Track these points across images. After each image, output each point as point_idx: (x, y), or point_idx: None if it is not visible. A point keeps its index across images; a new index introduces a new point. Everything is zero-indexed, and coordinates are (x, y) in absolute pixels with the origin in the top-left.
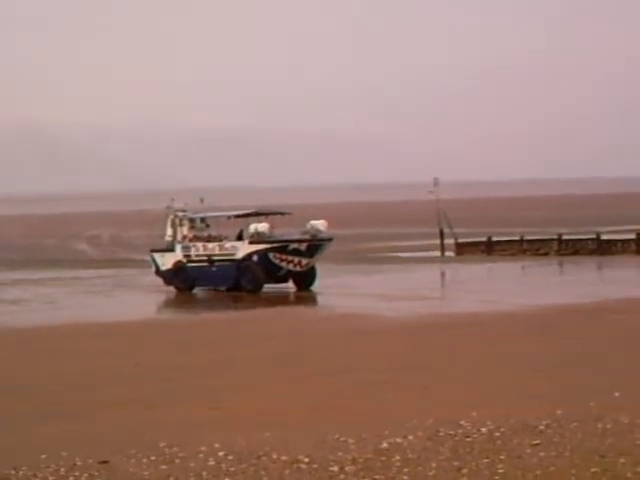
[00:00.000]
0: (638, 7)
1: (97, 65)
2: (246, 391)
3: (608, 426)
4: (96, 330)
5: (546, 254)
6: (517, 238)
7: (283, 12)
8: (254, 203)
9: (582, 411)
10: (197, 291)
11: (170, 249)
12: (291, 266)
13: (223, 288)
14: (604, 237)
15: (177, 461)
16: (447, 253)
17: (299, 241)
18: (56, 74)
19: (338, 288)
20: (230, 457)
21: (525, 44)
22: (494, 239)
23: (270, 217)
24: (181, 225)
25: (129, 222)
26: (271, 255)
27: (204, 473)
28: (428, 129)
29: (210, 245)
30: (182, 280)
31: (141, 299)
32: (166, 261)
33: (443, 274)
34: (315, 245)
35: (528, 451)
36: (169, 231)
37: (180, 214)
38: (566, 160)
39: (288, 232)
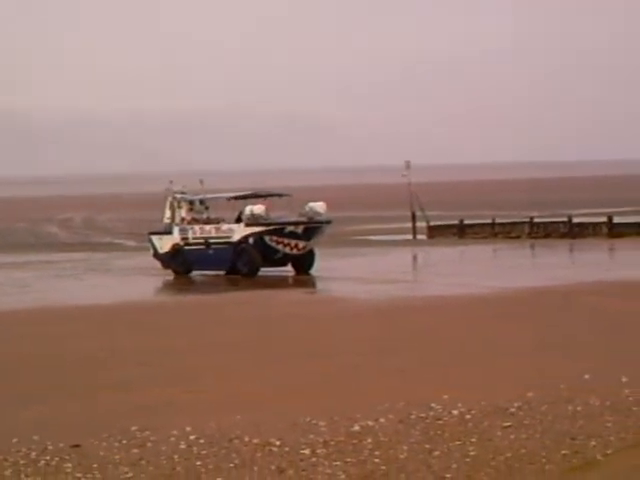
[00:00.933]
0: None
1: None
2: (219, 374)
3: (579, 408)
4: (71, 313)
5: (518, 237)
6: (489, 221)
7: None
8: (255, 185)
9: (553, 393)
10: (195, 275)
11: (168, 232)
12: (288, 249)
13: (220, 271)
14: (576, 220)
15: (148, 444)
16: (419, 236)
17: (295, 223)
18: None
19: (315, 272)
20: (201, 440)
21: (493, 27)
22: (466, 222)
23: (269, 199)
24: (179, 207)
25: (105, 205)
26: (267, 238)
27: (175, 456)
28: (399, 112)
29: (207, 227)
30: (179, 263)
31: (120, 282)
32: (164, 244)
33: (416, 257)
34: (312, 228)
35: (499, 433)
36: (167, 213)
37: (178, 196)
38: (540, 143)
39: (285, 214)
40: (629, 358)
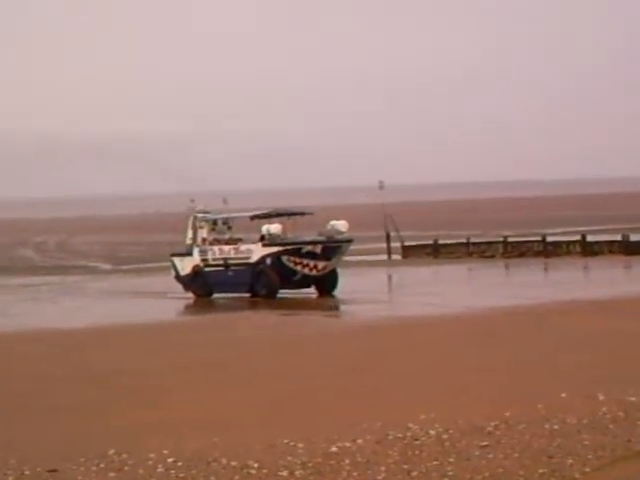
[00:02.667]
0: None
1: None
2: (196, 396)
3: (555, 427)
4: (44, 336)
5: (492, 256)
6: (463, 241)
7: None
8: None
9: (530, 412)
10: (216, 297)
11: (189, 253)
12: (307, 270)
13: (240, 294)
14: (550, 239)
15: (126, 468)
16: (394, 256)
17: (312, 243)
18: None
19: (292, 292)
20: (179, 463)
21: (468, 42)
22: (441, 242)
23: (291, 218)
24: (201, 227)
25: (81, 228)
26: (284, 258)
27: None
28: (369, 130)
29: (226, 248)
30: (200, 285)
31: (96, 304)
32: (185, 265)
33: (390, 277)
34: (331, 247)
35: (477, 453)
36: (189, 234)
37: (200, 215)
38: (515, 161)
39: (302, 234)
40: (604, 376)
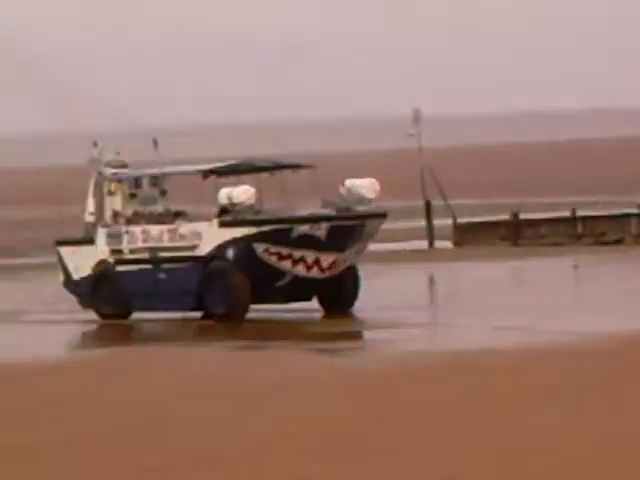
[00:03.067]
0: None
1: None
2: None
3: None
4: None
5: (618, 241)
6: (565, 214)
7: None
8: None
9: None
10: (137, 319)
11: (88, 239)
12: (301, 269)
13: (180, 312)
14: None
15: None
16: (440, 243)
17: (313, 220)
18: None
19: (276, 309)
20: None
21: None
22: (523, 216)
23: (275, 174)
24: (110, 193)
25: None
26: (260, 248)
27: None
28: (393, 37)
29: (155, 230)
30: (108, 298)
31: None
32: (81, 262)
33: (434, 281)
34: (347, 228)
35: None
36: (89, 205)
37: (108, 172)
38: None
39: (295, 205)
40: None
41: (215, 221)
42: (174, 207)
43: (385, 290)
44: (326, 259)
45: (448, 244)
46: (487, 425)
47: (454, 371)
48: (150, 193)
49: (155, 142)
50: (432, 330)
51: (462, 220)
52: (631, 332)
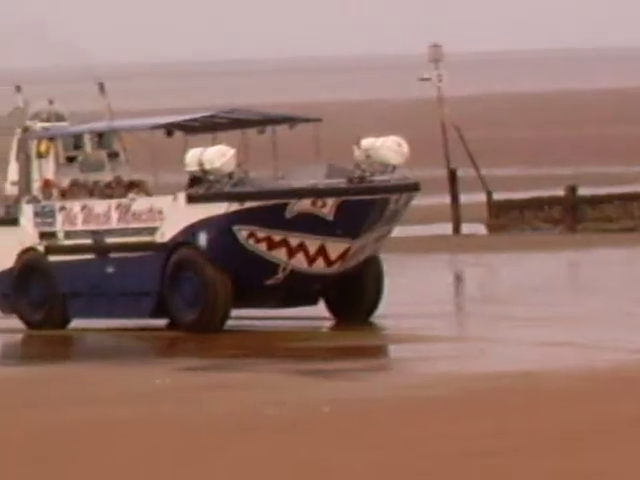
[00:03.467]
0: None
1: None
2: None
3: None
4: None
5: None
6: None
7: None
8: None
9: None
10: (76, 327)
11: (10, 218)
12: (300, 260)
13: (136, 318)
14: None
15: None
16: (470, 226)
17: (314, 193)
18: None
19: (268, 315)
20: None
21: None
22: (582, 193)
23: (265, 130)
24: (40, 154)
25: None
26: (242, 231)
27: None
28: None
29: (99, 206)
30: (36, 299)
31: None
32: (1, 250)
33: (463, 279)
34: (362, 204)
35: None
36: (13, 170)
37: (37, 126)
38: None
39: (291, 171)
40: None
41: (181, 195)
42: (128, 175)
43: (398, 290)
44: (335, 248)
45: (481, 228)
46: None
47: (496, 402)
48: (94, 156)
49: (101, 86)
50: (463, 345)
51: (499, 197)
52: None
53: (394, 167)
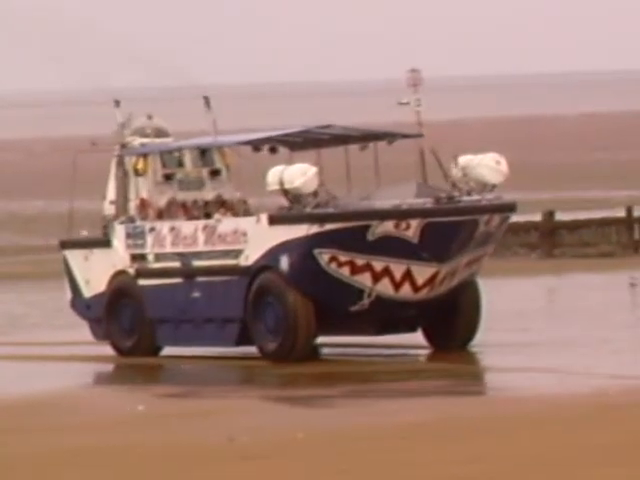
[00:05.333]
0: None
1: None
2: None
3: None
4: None
5: None
6: (617, 215)
7: None
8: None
9: None
10: (168, 354)
11: (104, 240)
12: (386, 286)
13: (222, 346)
14: None
15: None
16: None
17: (396, 215)
18: None
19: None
20: None
21: None
22: (559, 218)
23: (361, 146)
24: (138, 173)
25: None
26: (323, 255)
27: None
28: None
29: (186, 227)
30: (126, 325)
31: None
32: (94, 273)
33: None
34: (449, 226)
35: None
36: (111, 189)
37: (134, 144)
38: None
39: (380, 191)
40: None
41: (264, 216)
42: (230, 194)
43: None
44: (421, 272)
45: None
46: None
47: (472, 428)
48: (194, 173)
49: (207, 101)
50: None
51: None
52: None
53: (493, 186)
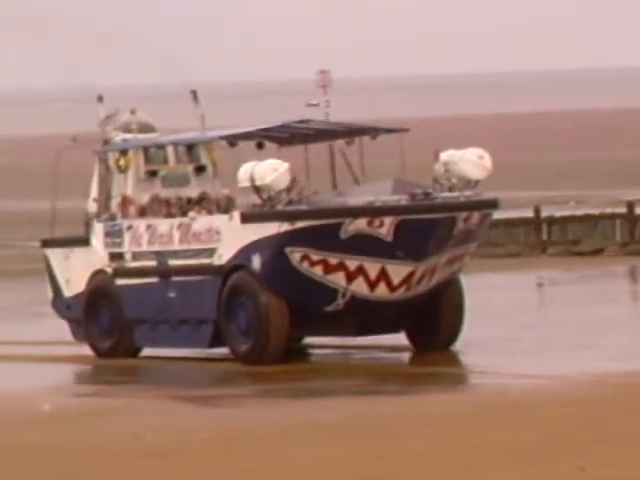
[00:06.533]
0: None
1: None
2: None
3: None
4: None
5: (597, 252)
6: (525, 215)
7: None
8: None
9: None
10: (147, 355)
11: (83, 238)
12: (360, 285)
13: (196, 347)
14: None
15: None
16: None
17: (369, 212)
18: None
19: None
20: None
21: None
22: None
23: (336, 142)
24: (121, 170)
25: None
26: (294, 254)
27: None
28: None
29: (163, 225)
30: (105, 326)
31: None
32: (74, 272)
33: None
34: (423, 224)
35: None
36: (94, 186)
37: (119, 138)
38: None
39: (355, 188)
40: None
41: (236, 214)
42: (216, 191)
43: None
44: (397, 271)
45: None
46: None
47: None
48: (178, 170)
49: (195, 95)
50: None
51: None
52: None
53: (476, 182)
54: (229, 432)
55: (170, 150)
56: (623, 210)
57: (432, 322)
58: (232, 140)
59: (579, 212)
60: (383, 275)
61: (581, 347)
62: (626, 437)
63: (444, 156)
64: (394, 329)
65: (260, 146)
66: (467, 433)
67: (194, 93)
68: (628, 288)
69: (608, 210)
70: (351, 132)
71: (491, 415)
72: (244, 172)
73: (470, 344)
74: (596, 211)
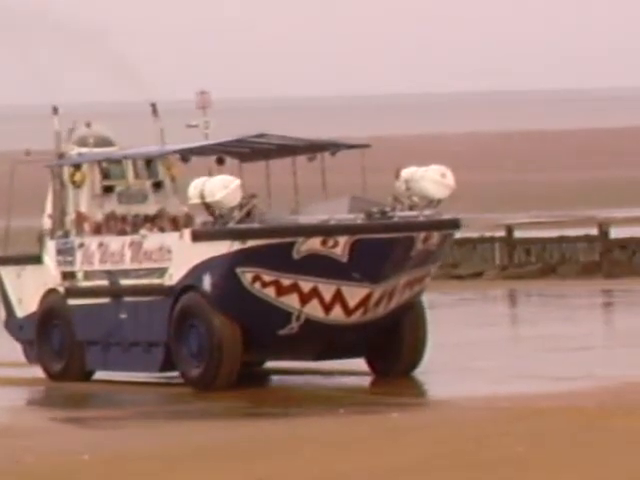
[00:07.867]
0: None
1: None
2: None
3: None
4: None
5: (476, 275)
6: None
7: None
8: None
9: None
10: (97, 379)
11: (37, 255)
12: (315, 308)
13: (147, 372)
14: None
15: None
16: None
17: (321, 231)
18: None
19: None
20: None
21: None
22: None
23: (287, 158)
24: (75, 184)
25: None
26: (246, 274)
27: None
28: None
29: (114, 243)
30: (56, 348)
31: None
32: (25, 292)
33: None
34: (380, 244)
35: None
36: (49, 202)
37: (74, 152)
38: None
39: (315, 203)
40: None
41: (187, 232)
42: (175, 208)
43: None
44: (353, 294)
45: None
46: None
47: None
48: (135, 186)
49: (154, 108)
50: None
51: None
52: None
53: (438, 201)
54: (110, 454)
55: (128, 165)
56: (502, 234)
57: (393, 347)
58: (185, 154)
59: (458, 235)
60: (338, 297)
61: (460, 370)
62: (503, 461)
63: (405, 173)
64: (353, 354)
65: (220, 161)
66: (342, 456)
67: (154, 106)
68: (507, 311)
69: (487, 234)
70: (312, 147)
71: (368, 439)
72: (194, 188)
73: (353, 365)
74: (475, 234)
